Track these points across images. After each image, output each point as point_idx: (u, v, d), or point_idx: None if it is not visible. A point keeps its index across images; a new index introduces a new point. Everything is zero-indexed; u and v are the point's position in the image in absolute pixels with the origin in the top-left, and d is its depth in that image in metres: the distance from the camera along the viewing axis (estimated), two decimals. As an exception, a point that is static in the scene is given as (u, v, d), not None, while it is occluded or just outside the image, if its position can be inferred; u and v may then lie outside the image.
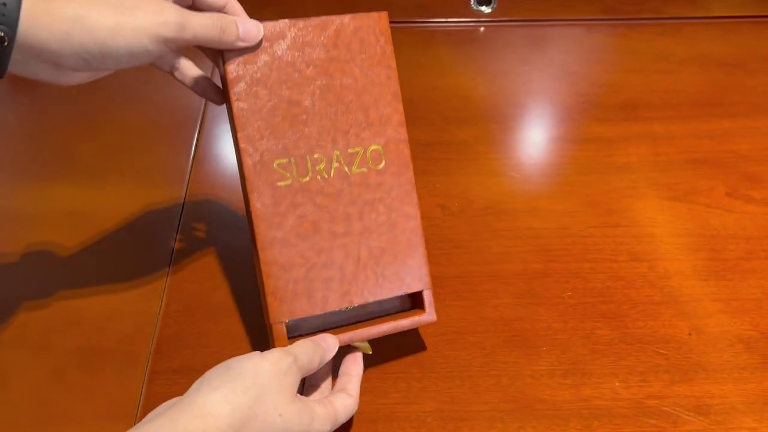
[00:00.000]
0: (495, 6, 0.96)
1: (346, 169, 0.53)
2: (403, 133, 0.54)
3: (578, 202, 0.71)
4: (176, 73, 0.52)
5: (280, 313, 0.52)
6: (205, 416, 0.41)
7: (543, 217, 0.70)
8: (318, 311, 0.53)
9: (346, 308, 0.54)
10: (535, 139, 0.79)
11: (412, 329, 0.57)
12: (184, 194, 0.70)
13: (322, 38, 0.52)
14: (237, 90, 0.50)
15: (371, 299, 0.54)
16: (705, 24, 0.96)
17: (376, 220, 0.53)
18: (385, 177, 0.53)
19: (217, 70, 0.54)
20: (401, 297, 0.57)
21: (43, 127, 0.79)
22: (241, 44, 0.49)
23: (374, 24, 0.53)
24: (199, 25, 0.45)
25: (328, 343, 0.51)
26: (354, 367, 0.53)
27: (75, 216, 0.68)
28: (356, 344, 0.54)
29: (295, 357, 0.46)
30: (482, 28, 0.95)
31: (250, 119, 0.50)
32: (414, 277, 0.55)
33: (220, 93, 0.53)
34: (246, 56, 0.50)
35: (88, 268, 0.64)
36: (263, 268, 0.52)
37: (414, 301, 0.57)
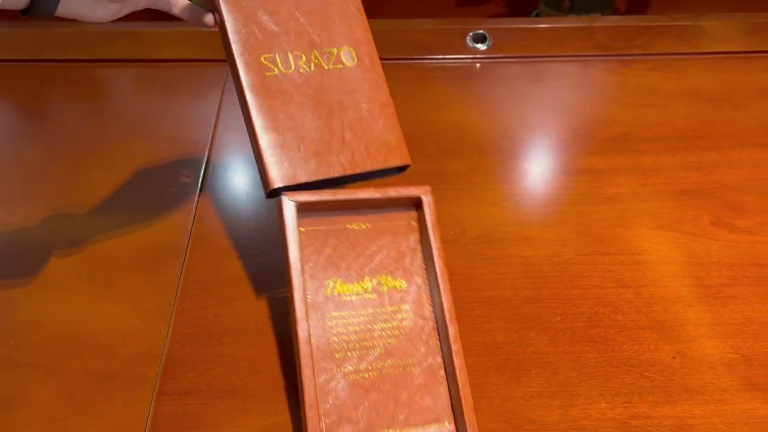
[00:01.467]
0: (490, 43, 1.00)
1: (324, 65, 0.61)
2: (370, 37, 0.64)
3: (569, 231, 0.74)
4: (174, 9, 0.60)
5: (280, 176, 0.57)
6: None
7: (535, 246, 0.73)
8: (312, 178, 0.57)
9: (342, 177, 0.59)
10: (528, 170, 0.82)
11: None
12: (191, 223, 0.74)
13: None
14: (223, 2, 0.59)
15: (359, 170, 0.59)
16: (694, 59, 0.99)
17: (355, 106, 0.61)
18: (357, 72, 0.62)
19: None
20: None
21: (54, 158, 0.82)
22: None
23: None
24: None
25: None
26: None
27: (85, 244, 0.72)
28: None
29: None
30: (478, 65, 0.99)
31: (237, 24, 0.59)
32: (395, 151, 0.61)
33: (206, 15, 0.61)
34: None
35: (99, 293, 0.68)
36: (259, 138, 0.57)
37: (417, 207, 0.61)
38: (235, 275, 0.69)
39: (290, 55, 0.60)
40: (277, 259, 0.69)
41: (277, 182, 0.57)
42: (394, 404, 0.55)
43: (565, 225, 0.75)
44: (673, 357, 0.62)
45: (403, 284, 0.59)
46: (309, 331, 0.55)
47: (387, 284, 0.59)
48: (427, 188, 0.61)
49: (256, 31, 0.59)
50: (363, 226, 0.60)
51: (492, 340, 0.64)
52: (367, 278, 0.58)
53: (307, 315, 0.55)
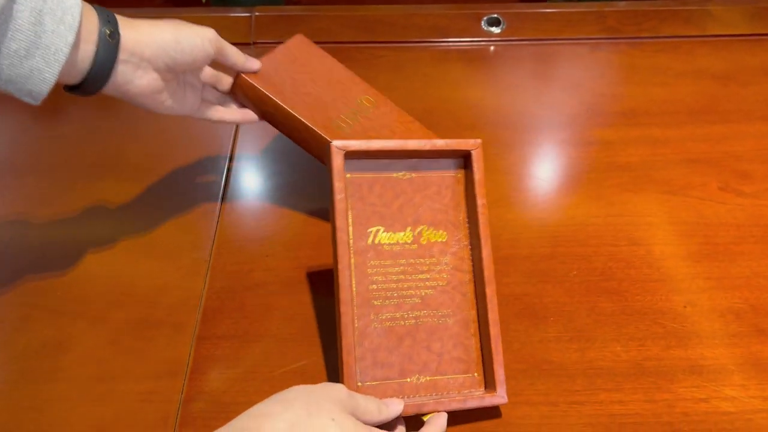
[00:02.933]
0: (504, 27, 1.04)
1: (363, 114, 0.74)
2: (366, 84, 0.78)
3: (582, 196, 0.78)
4: (216, 115, 0.69)
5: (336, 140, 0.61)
6: (258, 416, 0.46)
7: (550, 210, 0.76)
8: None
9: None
10: (542, 142, 0.86)
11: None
12: (221, 188, 0.78)
13: (285, 59, 0.74)
14: (281, 96, 0.69)
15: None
16: (700, 42, 1.03)
17: (399, 129, 0.74)
18: (382, 110, 0.76)
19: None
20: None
21: (92, 133, 0.87)
22: (251, 65, 0.68)
23: (301, 42, 0.77)
24: (226, 43, 0.65)
25: (394, 404, 0.53)
26: (439, 419, 0.55)
27: (123, 208, 0.76)
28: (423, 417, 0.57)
29: (353, 395, 0.50)
30: (492, 47, 1.03)
31: (297, 107, 0.69)
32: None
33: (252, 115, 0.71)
34: (264, 79, 0.69)
35: (139, 252, 0.71)
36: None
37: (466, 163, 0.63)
38: (265, 235, 0.73)
39: (343, 116, 0.72)
40: (306, 220, 0.73)
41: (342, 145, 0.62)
42: (426, 353, 0.58)
43: (578, 191, 0.78)
44: (685, 306, 0.66)
45: (444, 236, 0.61)
46: (350, 277, 0.57)
47: (428, 236, 0.61)
48: (478, 141, 0.62)
49: (312, 108, 0.70)
50: (409, 176, 0.61)
51: (511, 292, 0.67)
52: (409, 228, 0.60)
53: (350, 262, 0.57)
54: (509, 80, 0.97)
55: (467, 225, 0.62)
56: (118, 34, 0.56)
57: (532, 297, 0.67)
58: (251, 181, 0.80)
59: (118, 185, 0.79)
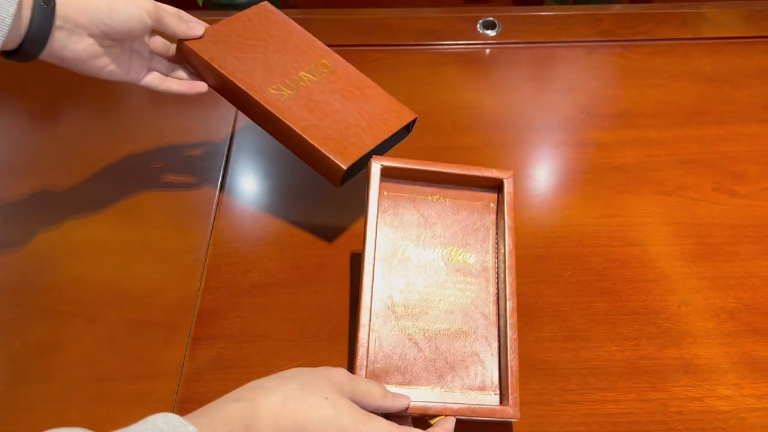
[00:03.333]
0: (500, 30, 1.04)
1: (315, 77, 0.72)
2: (328, 49, 0.76)
3: (578, 197, 0.78)
4: (163, 85, 0.69)
5: (344, 158, 0.64)
6: (256, 388, 0.46)
7: (545, 211, 0.76)
8: (365, 150, 0.66)
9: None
10: (537, 143, 0.86)
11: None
12: (218, 190, 0.78)
13: (241, 24, 0.74)
14: (218, 61, 0.69)
15: (389, 134, 0.69)
16: (695, 44, 1.04)
17: (354, 95, 0.71)
18: (338, 74, 0.73)
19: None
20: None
21: (89, 135, 0.87)
22: (191, 33, 0.68)
23: (263, 8, 0.77)
24: (165, 9, 0.66)
25: (400, 397, 0.52)
26: (447, 422, 0.54)
27: (119, 209, 0.76)
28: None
29: (354, 378, 0.50)
30: (488, 50, 1.03)
31: (236, 71, 0.69)
32: (402, 113, 0.72)
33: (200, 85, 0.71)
34: (208, 45, 0.69)
35: (135, 253, 0.72)
36: (306, 136, 0.65)
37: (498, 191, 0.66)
38: (261, 236, 0.73)
39: (288, 81, 0.70)
40: (301, 222, 0.73)
41: (345, 164, 0.64)
42: (443, 365, 0.58)
43: (573, 192, 0.79)
44: (679, 306, 0.66)
45: (473, 258, 0.62)
46: (373, 281, 0.58)
47: (456, 256, 0.62)
48: (510, 172, 0.64)
49: (253, 75, 0.69)
50: (443, 200, 0.64)
51: (506, 292, 0.67)
52: (439, 247, 0.62)
53: (374, 267, 0.58)
54: (505, 82, 0.97)
55: (495, 250, 0.63)
56: (54, 0, 0.56)
57: (527, 297, 0.67)
58: (247, 182, 0.80)
59: (115, 186, 0.79)
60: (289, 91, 0.69)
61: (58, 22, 0.57)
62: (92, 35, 0.60)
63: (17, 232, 0.73)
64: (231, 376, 0.61)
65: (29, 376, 0.61)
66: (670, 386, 0.59)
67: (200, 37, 0.70)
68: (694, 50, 1.03)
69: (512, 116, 0.91)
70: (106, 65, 0.63)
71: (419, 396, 0.56)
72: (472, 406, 0.55)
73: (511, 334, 0.58)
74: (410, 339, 0.58)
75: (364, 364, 0.55)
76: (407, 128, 0.74)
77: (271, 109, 0.67)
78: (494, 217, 0.65)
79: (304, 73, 0.72)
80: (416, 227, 0.62)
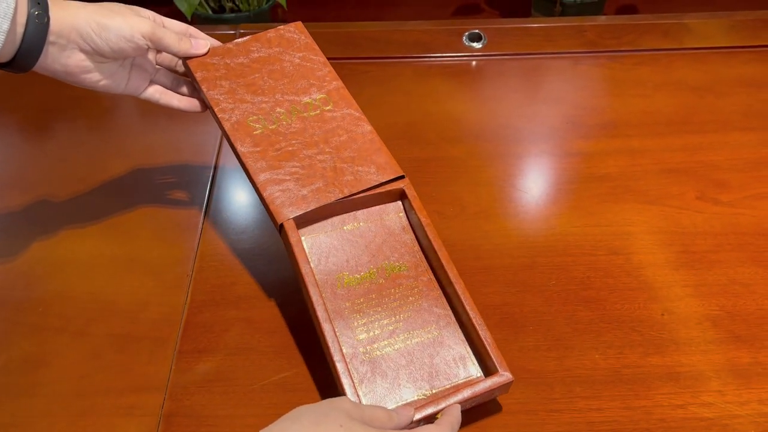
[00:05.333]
0: (485, 42, 1.05)
1: (304, 114, 0.67)
2: (340, 83, 0.70)
3: (562, 206, 0.79)
4: (163, 99, 0.69)
5: (284, 214, 0.61)
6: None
7: (529, 220, 0.77)
8: (312, 206, 0.62)
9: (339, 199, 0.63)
10: (523, 154, 0.87)
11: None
12: (205, 204, 0.78)
13: (258, 44, 0.71)
14: (206, 85, 0.67)
15: (355, 191, 0.63)
16: (678, 55, 1.05)
17: (340, 140, 0.66)
18: (335, 113, 0.68)
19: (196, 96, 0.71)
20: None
21: (76, 149, 0.87)
22: (194, 51, 0.68)
23: (293, 29, 0.73)
24: (165, 31, 0.64)
25: (404, 411, 0.52)
26: (452, 411, 0.53)
27: (106, 223, 0.76)
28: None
29: (358, 405, 0.49)
30: (474, 62, 1.04)
31: (219, 99, 0.67)
32: (385, 168, 0.65)
33: (198, 103, 0.71)
34: (207, 65, 0.68)
35: (121, 267, 0.72)
36: (260, 188, 0.62)
37: (401, 197, 0.66)
38: (247, 248, 0.73)
39: (273, 115, 0.67)
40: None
41: (281, 218, 0.61)
42: (425, 368, 0.58)
43: (558, 201, 0.79)
44: (662, 314, 0.66)
45: (406, 267, 0.63)
46: (330, 321, 0.57)
47: (391, 270, 0.63)
48: (406, 180, 0.65)
49: (237, 102, 0.67)
50: (357, 225, 0.65)
51: (490, 302, 0.68)
52: (372, 267, 0.63)
53: (332, 325, 0.57)
54: (491, 94, 0.98)
55: (421, 248, 0.65)
56: (48, 16, 0.57)
57: (512, 306, 0.67)
58: (234, 196, 0.80)
59: (102, 201, 0.79)
60: (270, 126, 0.66)
61: (51, 37, 0.58)
62: (84, 51, 0.60)
63: (2, 246, 0.73)
64: (217, 389, 0.61)
65: (14, 392, 0.61)
66: (654, 394, 0.60)
67: (204, 55, 0.69)
68: (678, 60, 1.04)
69: (498, 127, 0.91)
70: (100, 80, 0.63)
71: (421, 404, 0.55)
72: (471, 389, 0.55)
73: (472, 313, 0.58)
74: (386, 358, 0.58)
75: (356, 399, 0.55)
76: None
77: (236, 144, 0.65)
78: (407, 221, 0.66)
79: (297, 106, 0.68)
80: (345, 258, 0.63)
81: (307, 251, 0.62)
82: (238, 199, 0.80)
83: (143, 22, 0.62)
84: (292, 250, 0.60)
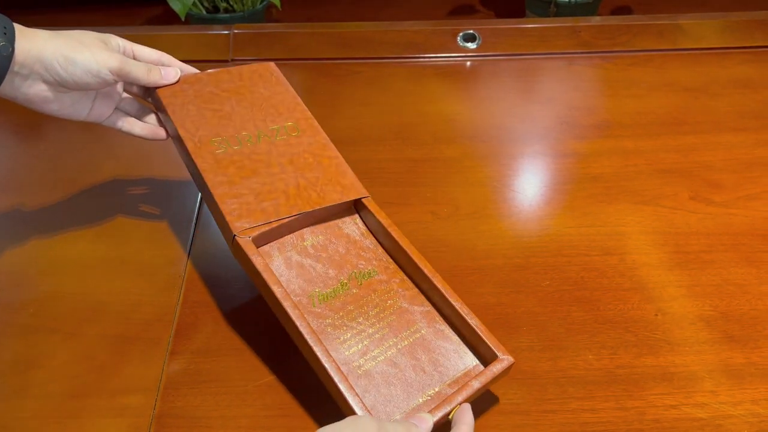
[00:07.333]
0: (480, 43, 1.05)
1: (270, 138, 0.67)
2: (310, 115, 0.70)
3: (556, 206, 0.79)
4: (125, 126, 0.69)
5: (240, 226, 0.59)
6: None
7: (523, 221, 0.77)
8: (272, 218, 0.60)
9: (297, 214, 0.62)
10: (517, 154, 0.87)
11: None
12: (197, 203, 0.78)
13: (229, 76, 0.72)
14: (172, 108, 0.67)
15: (318, 206, 0.62)
16: (672, 55, 1.05)
17: (305, 162, 0.66)
18: (302, 139, 0.68)
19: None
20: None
21: (67, 150, 0.87)
22: (163, 82, 0.67)
23: (265, 68, 0.74)
24: (134, 64, 0.64)
25: (424, 421, 0.51)
26: (465, 415, 0.53)
27: (98, 224, 0.76)
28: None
29: (382, 423, 0.47)
30: (468, 63, 1.04)
31: (185, 120, 0.67)
32: (350, 189, 0.65)
33: (161, 132, 0.70)
34: (176, 91, 0.68)
35: (113, 268, 0.71)
36: (218, 200, 0.61)
37: (357, 209, 0.66)
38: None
39: (238, 137, 0.66)
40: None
41: (236, 229, 0.59)
42: (422, 369, 0.57)
43: (552, 202, 0.79)
44: (656, 315, 0.66)
45: (376, 272, 0.63)
46: (319, 342, 0.55)
47: (362, 278, 0.62)
48: (362, 189, 0.65)
49: (202, 124, 0.66)
50: (317, 239, 0.64)
51: (484, 302, 0.67)
52: (342, 278, 0.62)
53: (323, 348, 0.55)
54: (485, 94, 0.98)
55: (388, 252, 0.64)
56: (12, 47, 0.57)
57: (506, 307, 0.67)
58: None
59: (94, 201, 0.79)
60: (234, 147, 0.65)
61: (14, 67, 0.58)
62: (46, 82, 0.60)
63: (-5, 248, 0.73)
64: (209, 390, 0.61)
65: (5, 393, 0.60)
66: (647, 394, 0.60)
67: (174, 83, 0.68)
68: (672, 61, 1.04)
69: (492, 128, 0.91)
70: (60, 109, 0.63)
71: (427, 406, 0.55)
72: (479, 379, 0.55)
73: (456, 304, 0.58)
74: (380, 367, 0.57)
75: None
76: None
77: (195, 160, 0.64)
78: (365, 227, 0.66)
79: (264, 132, 0.67)
80: (312, 275, 0.62)
81: (266, 266, 0.59)
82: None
83: (111, 57, 0.61)
84: (256, 270, 0.57)
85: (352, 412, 0.52)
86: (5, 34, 0.57)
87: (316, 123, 0.70)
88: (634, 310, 0.67)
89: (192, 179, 0.68)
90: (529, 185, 0.82)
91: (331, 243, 0.64)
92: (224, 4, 1.60)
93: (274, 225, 0.61)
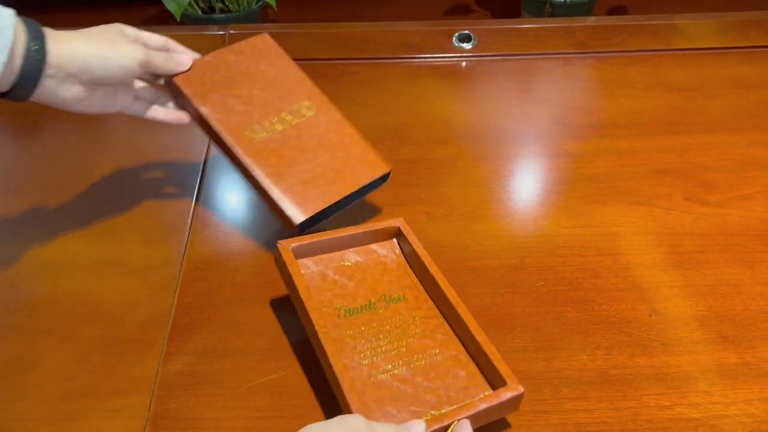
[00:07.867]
0: (475, 43, 1.05)
1: (293, 121, 0.73)
2: (317, 89, 0.76)
3: (551, 207, 0.79)
4: (150, 113, 0.72)
5: (299, 212, 0.67)
6: None
7: (518, 221, 0.77)
8: (325, 205, 0.68)
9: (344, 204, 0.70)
10: (512, 155, 0.87)
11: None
12: (192, 205, 0.78)
13: (235, 57, 0.75)
14: (197, 101, 0.71)
15: (357, 187, 0.70)
16: (668, 55, 1.05)
17: (331, 143, 0.72)
18: (320, 118, 0.74)
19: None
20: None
21: (63, 151, 0.87)
22: (179, 69, 0.70)
23: (262, 41, 0.78)
24: (155, 54, 0.67)
25: (415, 426, 0.51)
26: (464, 429, 0.52)
27: (93, 225, 0.76)
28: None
29: (371, 423, 0.47)
30: (464, 63, 1.04)
31: (214, 111, 0.71)
32: (375, 165, 0.72)
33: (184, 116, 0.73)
34: (192, 79, 0.71)
35: (108, 270, 0.71)
36: (274, 197, 0.67)
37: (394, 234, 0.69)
38: (234, 250, 0.73)
39: (265, 123, 0.71)
40: (275, 237, 0.73)
41: (298, 219, 0.67)
42: (431, 390, 0.57)
43: (546, 202, 0.79)
44: (650, 315, 0.66)
45: (405, 298, 0.64)
46: (333, 344, 0.56)
47: (389, 302, 0.64)
48: (401, 219, 0.69)
49: (231, 114, 0.71)
50: (355, 260, 0.67)
51: (479, 303, 0.68)
52: (370, 300, 0.64)
53: (329, 333, 0.57)
54: (480, 95, 0.98)
55: (419, 281, 0.66)
56: (45, 50, 0.58)
57: (500, 308, 0.67)
58: (222, 198, 0.80)
59: (89, 202, 0.79)
60: (263, 134, 0.71)
61: (50, 71, 0.59)
62: (82, 83, 0.62)
63: (-11, 250, 0.73)
64: (204, 391, 0.61)
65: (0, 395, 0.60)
66: (641, 395, 0.60)
67: (188, 70, 0.71)
68: (667, 61, 1.04)
69: (487, 128, 0.91)
70: (91, 105, 0.65)
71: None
72: (481, 402, 0.54)
73: (478, 336, 0.58)
74: (389, 382, 0.57)
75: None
76: (382, 178, 0.74)
77: (240, 153, 0.69)
78: (402, 254, 0.68)
79: (285, 114, 0.73)
80: (344, 292, 0.64)
81: (307, 281, 0.62)
82: (226, 201, 0.80)
83: (137, 50, 0.65)
84: (291, 278, 0.61)
85: (350, 411, 0.52)
86: (37, 38, 0.58)
87: (326, 98, 0.75)
88: (628, 310, 0.67)
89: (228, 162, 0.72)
90: (524, 185, 0.82)
91: (368, 266, 0.67)
92: (220, 5, 1.60)
93: (315, 240, 0.64)
